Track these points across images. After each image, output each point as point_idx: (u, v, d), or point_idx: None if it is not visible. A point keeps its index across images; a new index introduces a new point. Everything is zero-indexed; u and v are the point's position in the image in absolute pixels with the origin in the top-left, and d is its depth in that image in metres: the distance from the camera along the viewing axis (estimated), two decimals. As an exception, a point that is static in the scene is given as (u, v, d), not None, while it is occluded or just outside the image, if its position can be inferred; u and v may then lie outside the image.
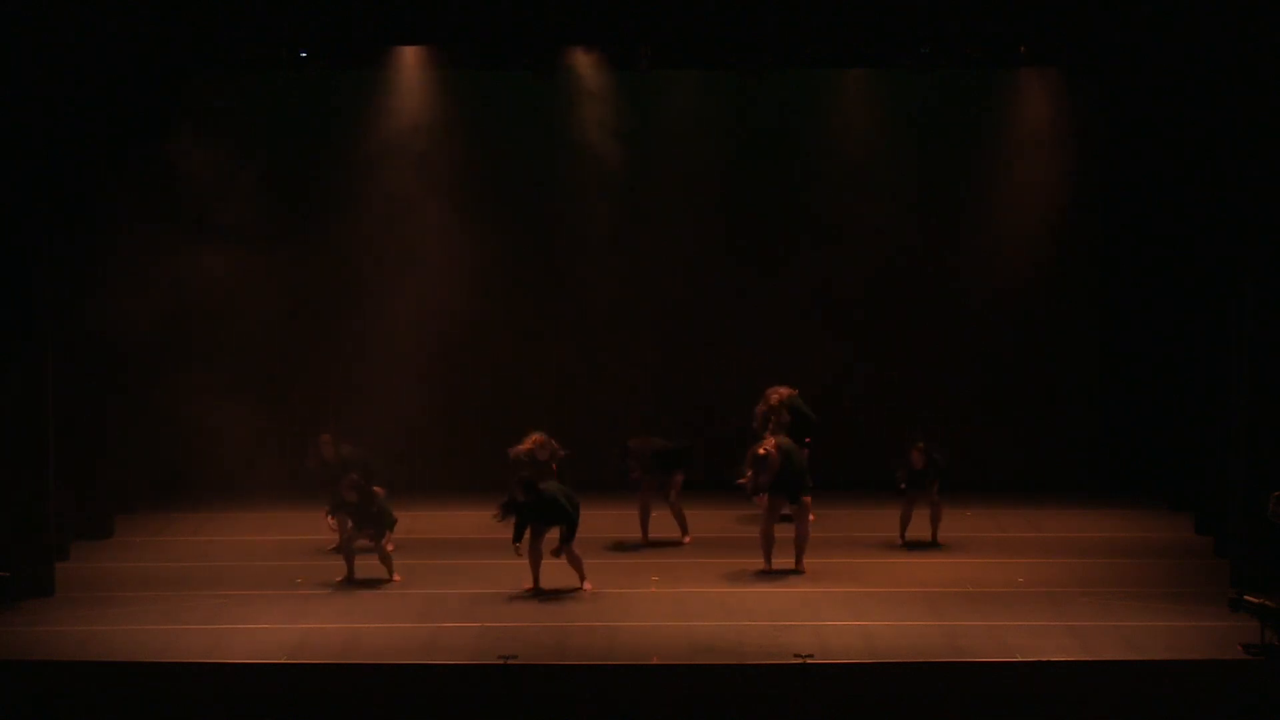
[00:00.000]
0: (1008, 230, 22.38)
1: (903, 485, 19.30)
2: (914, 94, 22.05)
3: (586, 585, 17.83)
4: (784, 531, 18.71)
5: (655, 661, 15.46)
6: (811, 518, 18.80)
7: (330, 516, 18.46)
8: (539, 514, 17.72)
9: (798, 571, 18.40)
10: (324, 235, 22.26)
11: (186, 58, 20.37)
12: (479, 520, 20.63)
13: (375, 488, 18.27)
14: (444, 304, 22.36)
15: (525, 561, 17.87)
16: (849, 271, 22.58)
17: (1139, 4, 18.84)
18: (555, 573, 17.92)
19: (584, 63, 20.90)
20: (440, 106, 21.95)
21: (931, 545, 19.43)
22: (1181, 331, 20.71)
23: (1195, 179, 19.94)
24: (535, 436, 19.20)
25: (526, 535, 17.77)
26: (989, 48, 20.16)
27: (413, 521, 18.93)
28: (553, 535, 17.82)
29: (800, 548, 18.49)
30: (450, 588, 17.97)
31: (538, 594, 17.70)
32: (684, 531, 19.75)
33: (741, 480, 18.55)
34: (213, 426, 21.72)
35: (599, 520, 19.03)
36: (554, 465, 18.99)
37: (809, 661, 15.16)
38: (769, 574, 18.35)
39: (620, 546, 19.53)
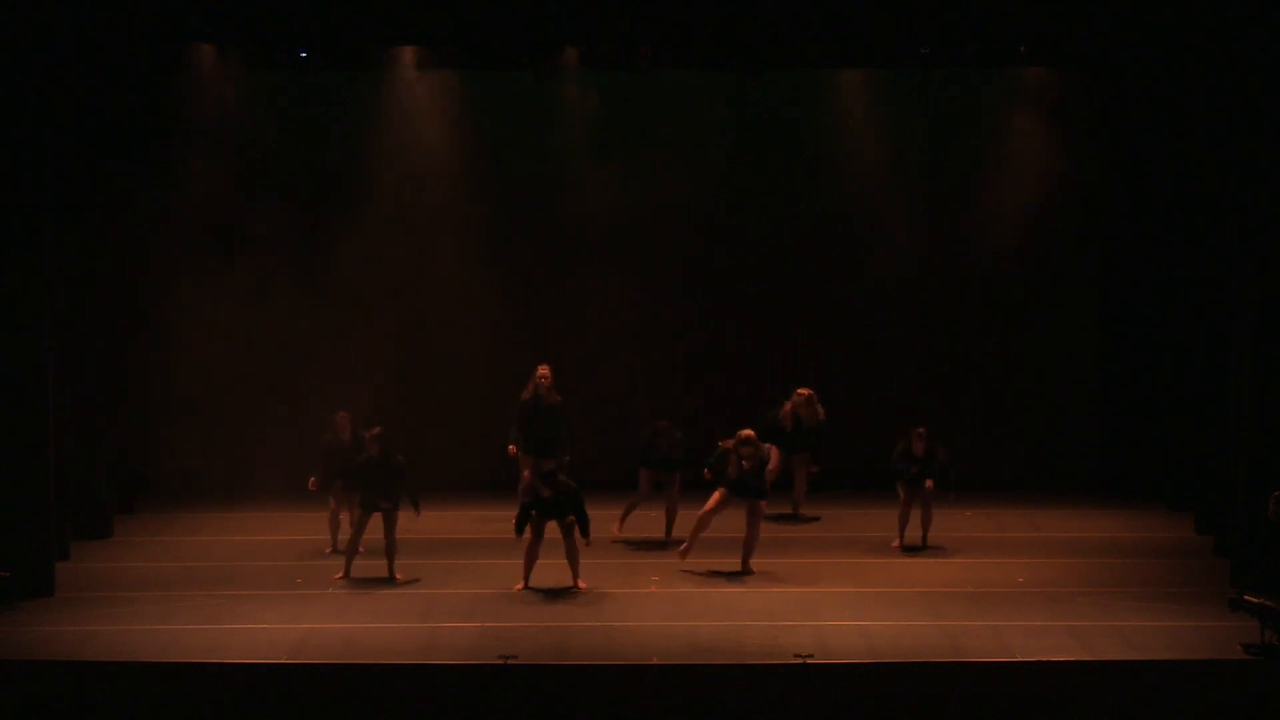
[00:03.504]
0: (1007, 230, 22.41)
1: (914, 470, 19.17)
2: (914, 94, 22.07)
3: (581, 584, 17.82)
4: (773, 531, 18.73)
5: (655, 661, 15.45)
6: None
7: (315, 480, 18.85)
8: (556, 508, 17.73)
9: (746, 572, 18.39)
10: (323, 235, 22.26)
11: (185, 57, 20.39)
12: (478, 520, 20.69)
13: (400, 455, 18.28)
14: (442, 303, 22.38)
15: (521, 561, 17.89)
16: (849, 271, 22.62)
17: (1139, 4, 18.84)
18: (555, 572, 17.93)
19: (584, 63, 20.90)
20: (440, 106, 21.96)
21: (923, 548, 19.39)
22: (1181, 331, 20.72)
23: (1196, 178, 19.97)
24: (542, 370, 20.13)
25: (528, 532, 17.80)
26: (989, 48, 20.18)
27: (412, 521, 18.88)
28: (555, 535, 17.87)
29: (748, 549, 18.46)
30: (450, 588, 17.96)
31: (534, 594, 17.68)
32: (668, 532, 19.73)
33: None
34: (212, 427, 21.79)
35: (599, 520, 19.03)
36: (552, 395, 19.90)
37: (809, 661, 15.15)
38: (761, 574, 18.32)
39: (620, 546, 19.53)
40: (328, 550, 19.23)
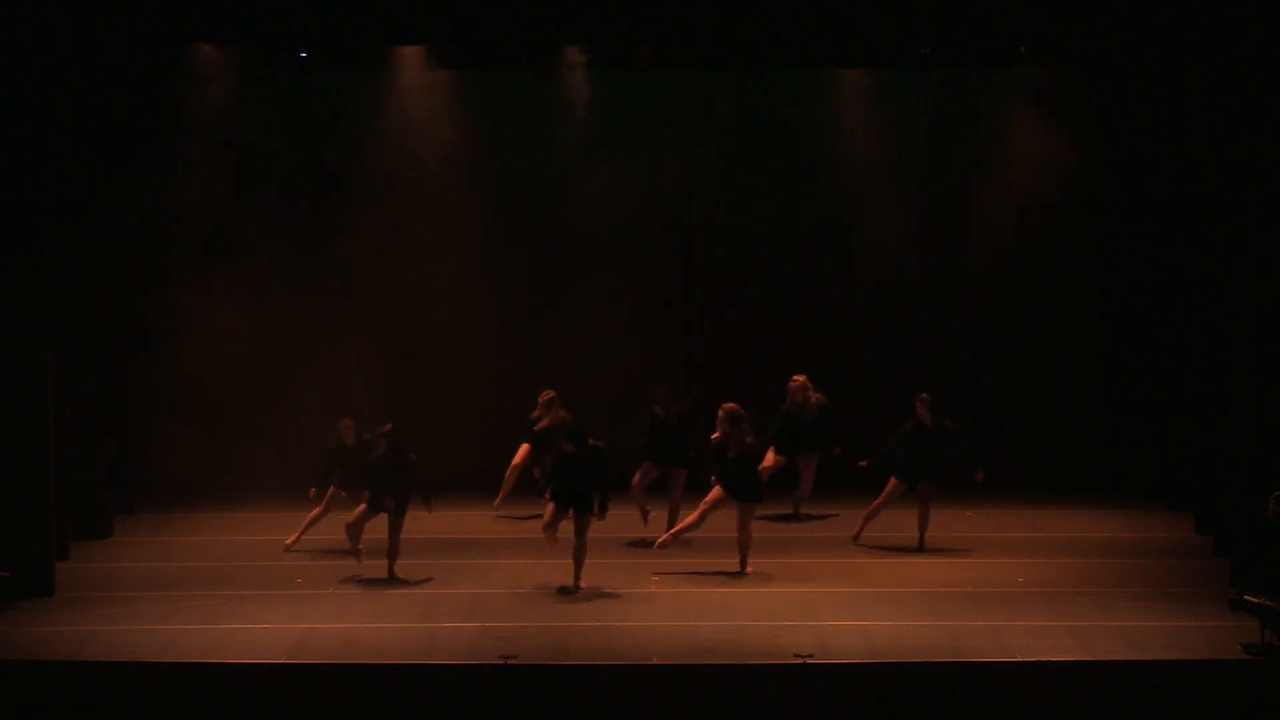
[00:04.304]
0: (1007, 230, 22.42)
1: (920, 433, 19.10)
2: (914, 94, 22.07)
3: (581, 584, 17.80)
4: (770, 531, 18.68)
5: (655, 661, 15.45)
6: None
7: (325, 488, 18.89)
8: (581, 472, 17.66)
9: (744, 574, 18.36)
10: (322, 235, 22.28)
11: (185, 57, 20.40)
12: (479, 520, 20.69)
13: (411, 453, 18.22)
14: (442, 303, 22.38)
15: (527, 560, 17.86)
16: (848, 271, 22.64)
17: (1139, 4, 18.84)
18: (555, 572, 17.92)
19: (584, 63, 20.90)
20: (440, 106, 21.97)
21: (920, 550, 19.36)
22: (1182, 331, 20.72)
23: (1196, 178, 19.97)
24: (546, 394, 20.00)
25: (548, 514, 17.78)
26: (989, 48, 20.18)
27: (412, 521, 18.88)
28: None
29: (743, 551, 18.41)
30: (450, 588, 17.96)
31: (535, 594, 17.67)
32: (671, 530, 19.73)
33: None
34: (212, 427, 21.79)
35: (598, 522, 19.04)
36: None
37: (809, 661, 15.15)
38: (761, 574, 18.28)
39: (620, 547, 19.52)
40: (289, 541, 19.18)
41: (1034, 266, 22.59)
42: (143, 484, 21.56)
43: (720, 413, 18.44)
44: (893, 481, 19.37)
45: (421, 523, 19.59)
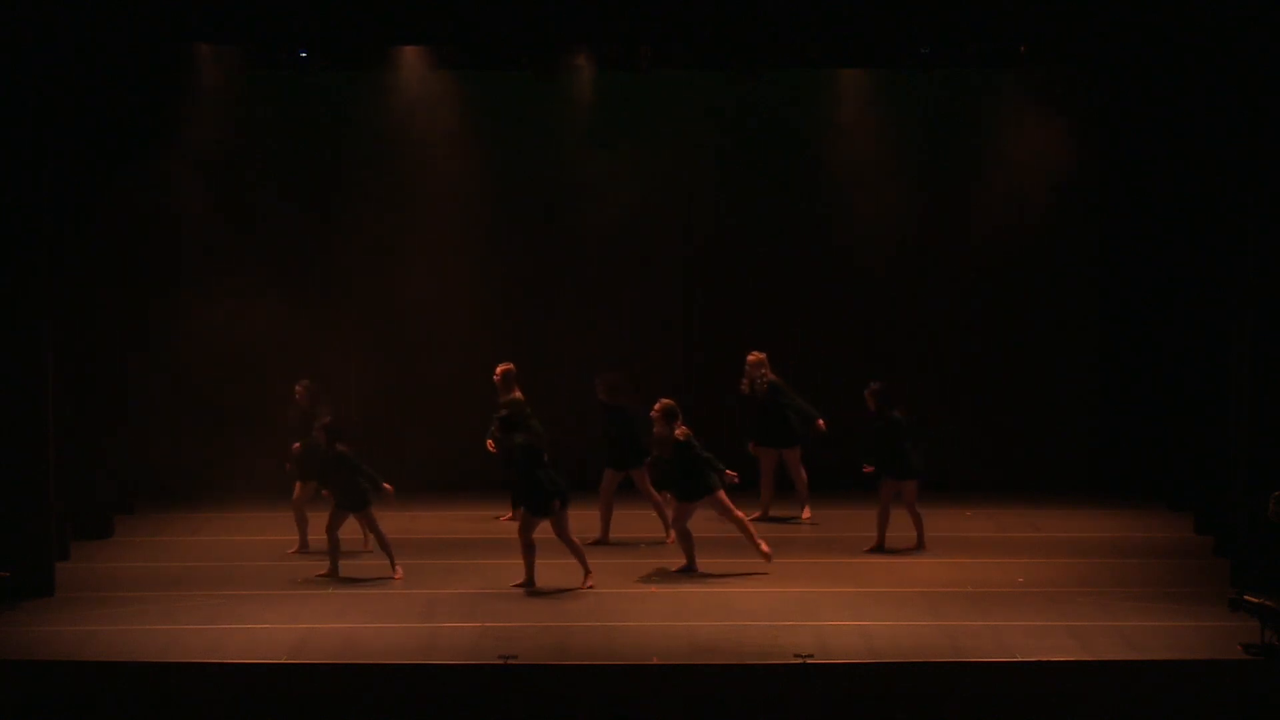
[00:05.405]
0: (1007, 230, 22.41)
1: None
2: (914, 94, 22.07)
3: (589, 582, 17.78)
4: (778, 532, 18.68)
5: (655, 661, 15.45)
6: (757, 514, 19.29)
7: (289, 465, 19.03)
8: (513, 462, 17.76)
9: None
10: (323, 235, 22.29)
11: (185, 57, 20.41)
12: (478, 520, 20.69)
13: (340, 445, 18.04)
14: (443, 304, 22.38)
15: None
16: (848, 271, 22.62)
17: (1139, 4, 18.85)
18: (555, 572, 17.92)
19: (584, 63, 20.90)
20: (440, 106, 21.97)
21: (917, 549, 19.36)
22: (1182, 330, 20.72)
23: (1196, 178, 19.97)
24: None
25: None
26: (989, 48, 20.19)
27: (412, 522, 18.91)
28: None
29: (748, 537, 18.32)
30: (450, 588, 17.96)
31: (535, 594, 17.67)
32: (667, 530, 19.66)
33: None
34: (212, 426, 21.78)
35: (584, 519, 19.06)
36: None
37: (809, 661, 15.16)
38: (761, 574, 18.27)
39: (620, 547, 19.52)
40: (290, 550, 19.23)
41: (1034, 266, 22.58)
42: (143, 484, 21.56)
43: (655, 409, 18.39)
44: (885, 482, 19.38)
45: (422, 523, 19.65)
